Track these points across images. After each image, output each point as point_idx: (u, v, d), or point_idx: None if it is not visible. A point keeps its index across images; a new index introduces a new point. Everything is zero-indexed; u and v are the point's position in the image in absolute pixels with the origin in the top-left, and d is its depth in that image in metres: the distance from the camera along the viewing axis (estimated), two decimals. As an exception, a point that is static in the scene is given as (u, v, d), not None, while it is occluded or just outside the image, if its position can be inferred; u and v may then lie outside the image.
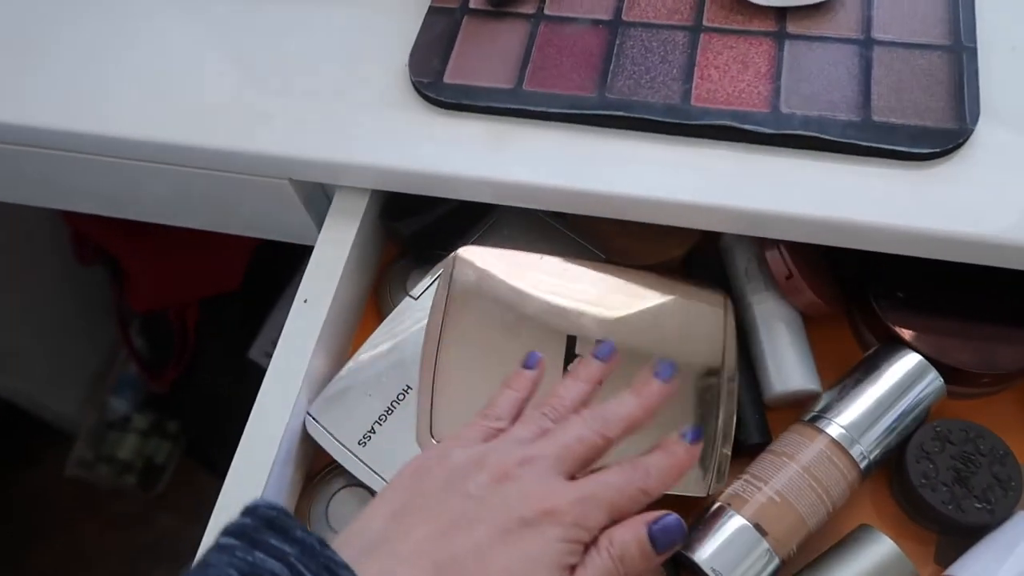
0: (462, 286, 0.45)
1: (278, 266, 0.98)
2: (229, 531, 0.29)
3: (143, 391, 1.18)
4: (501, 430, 0.35)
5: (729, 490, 0.41)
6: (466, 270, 0.45)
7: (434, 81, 0.45)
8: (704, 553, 0.39)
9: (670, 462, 0.35)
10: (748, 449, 0.44)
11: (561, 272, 0.45)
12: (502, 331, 0.44)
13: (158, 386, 1.12)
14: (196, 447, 1.18)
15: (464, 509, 0.31)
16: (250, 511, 0.29)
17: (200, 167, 0.48)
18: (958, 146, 0.40)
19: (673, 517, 0.32)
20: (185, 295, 1.05)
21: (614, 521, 0.32)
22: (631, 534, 0.32)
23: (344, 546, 0.30)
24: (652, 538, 0.32)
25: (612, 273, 0.46)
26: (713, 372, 0.43)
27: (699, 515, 0.41)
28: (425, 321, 0.44)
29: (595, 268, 0.46)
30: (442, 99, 0.44)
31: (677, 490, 0.41)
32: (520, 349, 0.43)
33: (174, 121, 0.47)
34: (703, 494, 0.41)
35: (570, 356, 0.43)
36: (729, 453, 0.42)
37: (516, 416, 0.36)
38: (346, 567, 0.28)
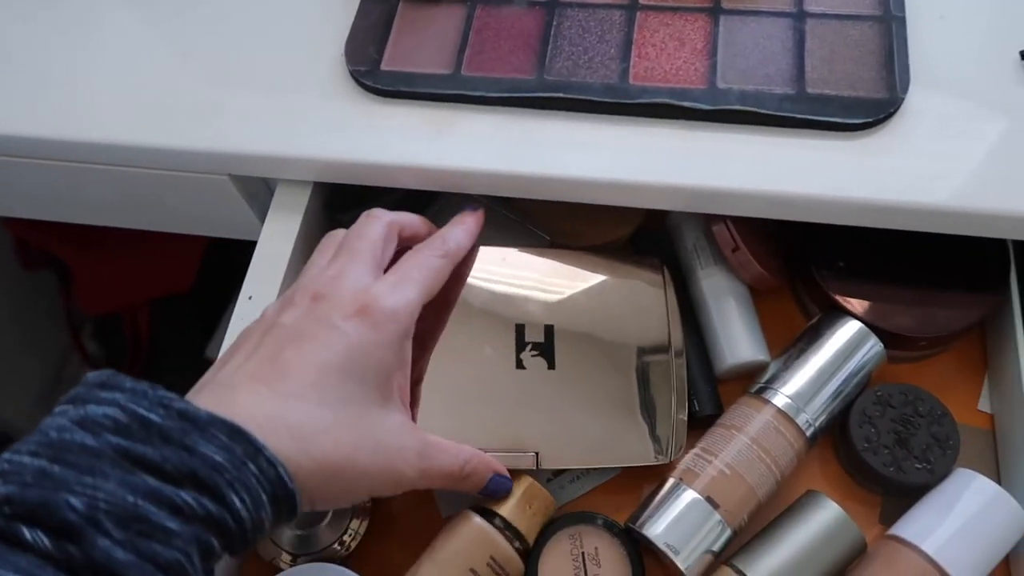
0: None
1: (231, 265, 0.97)
2: (61, 401, 0.28)
3: (99, 396, 1.15)
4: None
5: (681, 465, 0.42)
6: None
7: (371, 69, 0.44)
8: (657, 529, 0.40)
9: (461, 227, 0.38)
10: (702, 421, 0.44)
11: (500, 261, 0.45)
12: (448, 329, 0.42)
13: (113, 391, 1.10)
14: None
15: (284, 334, 0.32)
16: (82, 382, 0.29)
17: (138, 166, 0.46)
18: (890, 115, 0.41)
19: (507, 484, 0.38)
20: (137, 296, 1.03)
21: (430, 292, 0.35)
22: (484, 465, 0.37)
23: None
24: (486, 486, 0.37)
25: (551, 257, 0.46)
26: (660, 344, 0.44)
27: (653, 492, 0.42)
28: None
29: (534, 253, 0.46)
30: (380, 87, 0.44)
31: (641, 462, 0.42)
32: (470, 341, 0.43)
33: (110, 120, 0.45)
34: (666, 461, 0.42)
35: (520, 344, 0.43)
36: (685, 419, 0.43)
37: None
38: (180, 399, 0.28)
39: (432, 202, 0.49)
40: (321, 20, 0.47)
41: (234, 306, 0.45)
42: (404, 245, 0.37)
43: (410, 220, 0.37)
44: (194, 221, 0.53)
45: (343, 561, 0.42)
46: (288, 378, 0.30)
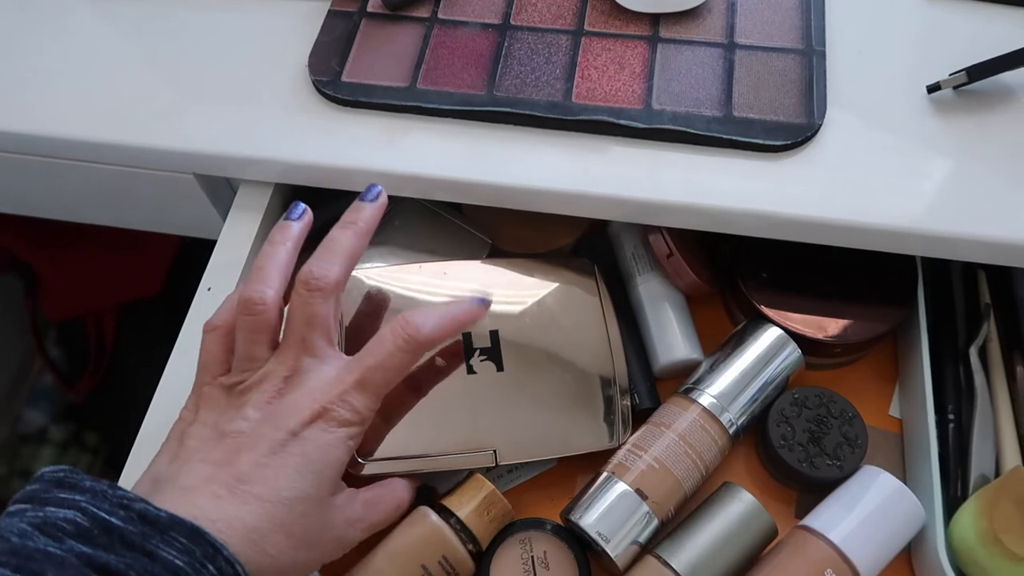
0: (353, 308, 0.45)
1: (199, 272, 0.98)
2: (18, 499, 0.28)
3: (60, 402, 1.15)
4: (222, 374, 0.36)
5: (614, 460, 0.44)
6: (353, 293, 0.46)
7: (333, 80, 0.47)
8: (590, 519, 0.42)
9: (451, 314, 0.37)
10: (641, 414, 0.46)
11: (442, 275, 0.47)
12: None
13: (74, 396, 1.10)
14: (117, 459, 1.16)
15: (242, 440, 0.32)
16: (38, 478, 0.29)
17: (107, 163, 0.49)
18: (808, 139, 0.45)
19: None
20: (103, 302, 1.04)
21: (389, 387, 0.35)
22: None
23: (135, 489, 0.31)
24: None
25: (489, 266, 0.48)
26: (599, 338, 0.46)
27: (587, 484, 0.44)
28: None
29: (472, 264, 0.48)
30: (340, 96, 0.47)
31: (593, 448, 0.44)
32: (421, 359, 0.45)
33: (80, 117, 0.47)
34: (615, 445, 0.44)
35: (469, 351, 0.45)
36: (629, 404, 0.45)
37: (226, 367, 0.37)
38: (140, 499, 0.28)
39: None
40: (287, 34, 0.50)
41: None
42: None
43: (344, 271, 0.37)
44: (159, 219, 0.55)
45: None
46: (245, 482, 0.31)
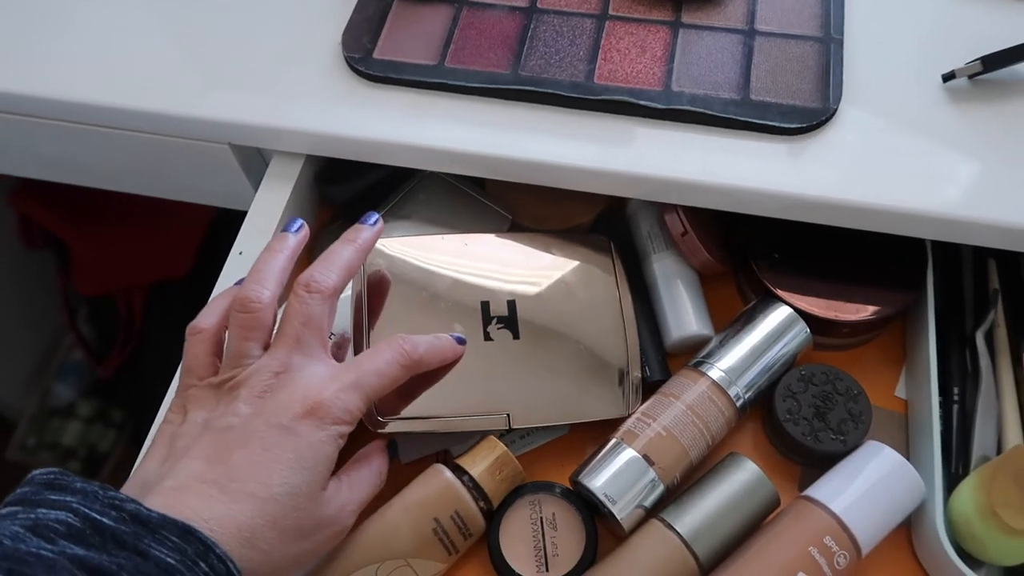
0: (376, 276, 0.47)
1: (228, 252, 1.01)
2: (8, 502, 0.29)
3: (89, 378, 1.18)
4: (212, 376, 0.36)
5: (623, 427, 0.46)
6: (376, 260, 0.47)
7: (365, 57, 0.49)
8: (598, 482, 0.43)
9: (438, 344, 0.39)
10: (652, 386, 0.48)
11: (462, 247, 0.49)
12: (421, 311, 0.46)
13: (102, 371, 1.13)
14: (141, 436, 1.19)
15: (232, 436, 0.33)
16: (27, 480, 0.29)
17: (144, 131, 0.51)
18: (823, 123, 0.46)
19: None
20: (133, 279, 1.06)
21: (381, 394, 0.36)
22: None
23: (124, 491, 0.31)
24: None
25: (508, 240, 0.50)
26: (613, 312, 0.48)
27: (596, 449, 0.46)
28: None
29: (492, 237, 0.50)
30: (371, 73, 0.49)
31: (603, 416, 0.45)
32: (441, 324, 0.46)
33: (119, 86, 0.50)
34: (625, 414, 0.46)
35: (486, 319, 0.47)
36: (640, 375, 0.46)
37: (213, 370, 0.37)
38: (131, 500, 0.28)
39: (409, 179, 0.53)
40: (322, 11, 0.52)
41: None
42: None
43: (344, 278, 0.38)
44: (193, 189, 0.57)
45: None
46: (237, 479, 0.31)
